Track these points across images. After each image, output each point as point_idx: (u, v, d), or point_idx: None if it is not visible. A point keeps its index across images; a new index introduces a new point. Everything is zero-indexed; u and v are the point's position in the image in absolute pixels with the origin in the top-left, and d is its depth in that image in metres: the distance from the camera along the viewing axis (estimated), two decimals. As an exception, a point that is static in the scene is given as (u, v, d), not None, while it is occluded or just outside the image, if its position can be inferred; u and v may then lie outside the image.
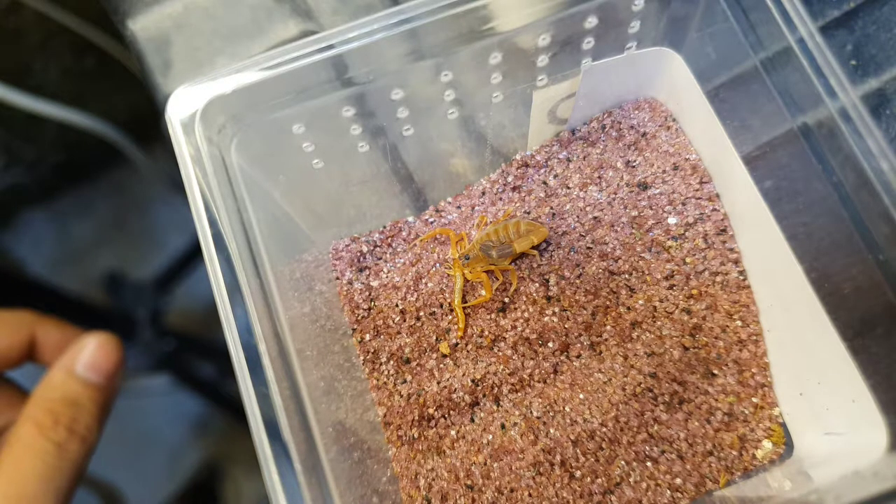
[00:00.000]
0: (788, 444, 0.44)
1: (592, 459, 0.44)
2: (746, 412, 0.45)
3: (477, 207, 0.52)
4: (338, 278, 0.51)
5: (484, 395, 0.46)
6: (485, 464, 0.45)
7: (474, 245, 0.48)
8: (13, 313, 0.53)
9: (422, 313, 0.49)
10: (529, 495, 0.44)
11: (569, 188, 0.51)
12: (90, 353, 0.50)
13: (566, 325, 0.47)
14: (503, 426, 0.46)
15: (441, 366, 0.47)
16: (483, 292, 0.48)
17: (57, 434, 0.46)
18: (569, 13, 0.41)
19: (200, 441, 1.30)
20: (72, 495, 0.46)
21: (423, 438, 0.46)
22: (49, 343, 0.53)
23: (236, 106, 0.39)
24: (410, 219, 0.52)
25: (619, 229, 0.49)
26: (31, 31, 0.94)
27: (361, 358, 0.48)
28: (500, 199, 0.52)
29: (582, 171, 0.51)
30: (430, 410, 0.46)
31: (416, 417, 0.46)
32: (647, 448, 0.44)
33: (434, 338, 0.48)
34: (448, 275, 0.49)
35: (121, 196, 1.37)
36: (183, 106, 0.38)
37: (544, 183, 0.51)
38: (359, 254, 0.51)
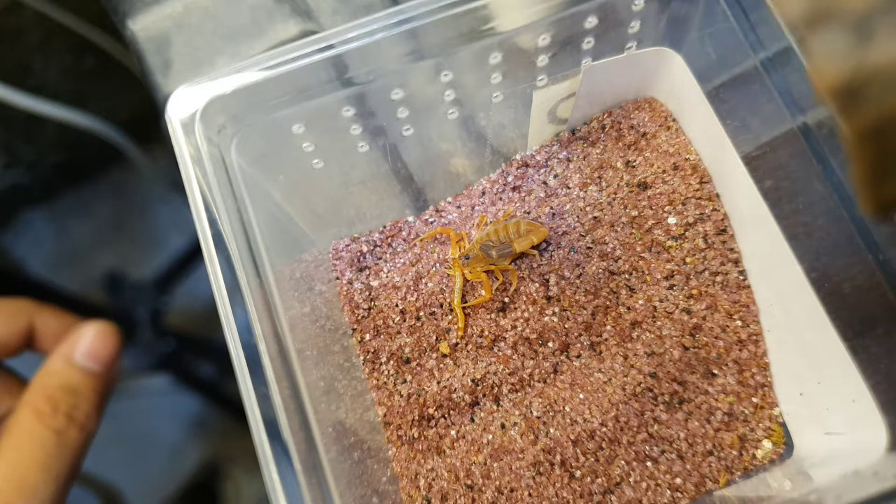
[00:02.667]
0: (788, 444, 0.44)
1: (592, 459, 0.44)
2: (746, 412, 0.45)
3: (477, 207, 0.52)
4: (338, 278, 0.51)
5: (484, 395, 0.46)
6: (485, 464, 0.45)
7: (474, 245, 0.48)
8: (12, 301, 0.53)
9: (422, 313, 0.49)
10: (529, 495, 0.44)
11: (569, 188, 0.51)
12: (89, 341, 0.50)
13: (566, 325, 0.47)
14: (503, 426, 0.46)
15: (441, 366, 0.47)
16: (483, 292, 0.48)
17: (56, 421, 0.46)
18: (569, 13, 0.41)
19: (200, 441, 1.30)
20: (71, 482, 0.46)
21: (423, 438, 0.46)
22: (47, 331, 0.53)
23: (236, 106, 0.39)
24: (410, 219, 0.52)
25: (619, 229, 0.49)
26: (31, 31, 0.94)
27: (361, 358, 0.48)
28: (500, 199, 0.52)
29: (582, 171, 0.51)
30: (430, 410, 0.46)
31: (416, 417, 0.46)
32: (647, 448, 0.44)
33: (434, 338, 0.48)
34: (448, 275, 0.49)
35: (121, 196, 1.36)
36: (183, 106, 0.38)
37: (544, 183, 0.51)
38: (359, 254, 0.51)
